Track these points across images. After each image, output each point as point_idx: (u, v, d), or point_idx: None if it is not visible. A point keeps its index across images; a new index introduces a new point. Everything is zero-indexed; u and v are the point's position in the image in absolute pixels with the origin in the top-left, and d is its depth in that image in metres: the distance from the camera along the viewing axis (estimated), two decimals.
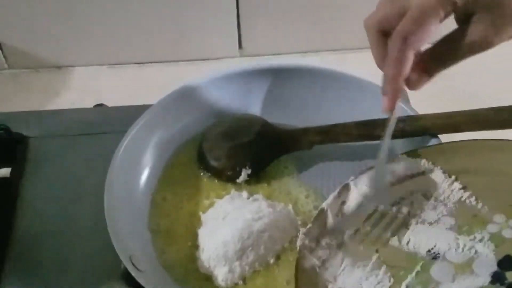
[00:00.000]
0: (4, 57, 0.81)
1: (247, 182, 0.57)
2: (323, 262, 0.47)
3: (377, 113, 0.55)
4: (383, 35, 0.44)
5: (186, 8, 0.78)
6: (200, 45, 0.83)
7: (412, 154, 0.51)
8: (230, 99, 0.62)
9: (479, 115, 0.49)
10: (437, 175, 0.49)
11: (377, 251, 0.46)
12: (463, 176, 0.49)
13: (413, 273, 0.44)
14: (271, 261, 0.52)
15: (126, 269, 0.47)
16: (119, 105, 0.70)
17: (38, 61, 0.82)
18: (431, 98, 0.73)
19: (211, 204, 0.56)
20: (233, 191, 0.57)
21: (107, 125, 0.64)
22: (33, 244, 0.55)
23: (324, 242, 0.48)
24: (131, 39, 0.81)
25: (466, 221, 0.46)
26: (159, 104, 0.59)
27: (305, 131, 0.58)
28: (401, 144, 0.55)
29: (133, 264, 0.48)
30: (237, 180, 0.57)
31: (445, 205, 0.48)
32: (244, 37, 0.82)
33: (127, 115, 0.59)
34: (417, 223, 0.47)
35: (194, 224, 0.54)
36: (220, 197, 0.56)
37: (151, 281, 0.47)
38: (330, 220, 0.49)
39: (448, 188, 0.49)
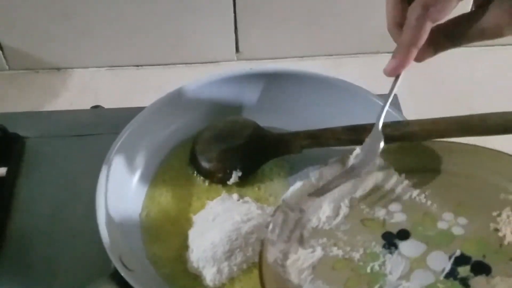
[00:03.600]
0: (5, 58, 0.82)
1: (238, 184, 0.58)
2: (285, 255, 0.47)
3: (367, 118, 0.57)
4: (402, 1, 0.44)
5: (184, 12, 0.79)
6: (197, 49, 0.83)
7: None
8: (223, 103, 0.63)
9: (463, 122, 0.50)
10: (390, 173, 0.51)
11: (335, 244, 0.48)
12: (413, 175, 0.51)
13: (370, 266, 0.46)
14: None
15: (116, 268, 0.48)
16: (116, 107, 0.71)
17: (38, 62, 0.83)
18: (421, 104, 0.74)
19: (202, 206, 0.57)
20: (223, 193, 0.57)
21: (103, 127, 0.65)
22: (27, 243, 0.56)
23: (285, 235, 0.48)
24: (130, 41, 0.82)
25: (417, 218, 0.48)
26: (153, 107, 0.60)
27: (295, 135, 0.59)
28: None
29: (123, 263, 0.48)
30: (228, 183, 0.58)
31: (397, 201, 0.50)
32: (241, 41, 0.83)
33: (123, 117, 0.60)
34: (371, 219, 0.49)
35: (184, 225, 0.55)
36: (211, 199, 0.57)
37: (140, 280, 0.48)
38: (291, 214, 0.49)
39: (399, 186, 0.51)
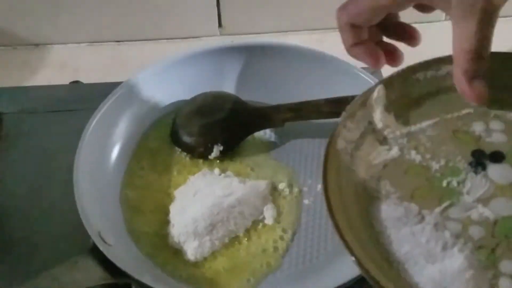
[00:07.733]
0: None
1: (220, 159, 0.58)
2: (357, 146, 0.42)
3: (349, 90, 0.56)
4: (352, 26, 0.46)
5: None
6: (179, 24, 0.82)
7: None
8: (204, 77, 0.62)
9: None
10: None
11: (415, 148, 0.43)
12: None
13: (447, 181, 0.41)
14: (241, 235, 0.52)
15: (95, 244, 0.47)
16: (95, 82, 0.70)
17: (15, 38, 0.81)
18: None
19: (183, 181, 0.56)
20: (205, 168, 0.57)
21: (82, 102, 0.64)
22: (4, 220, 0.55)
23: (362, 125, 0.43)
24: (110, 16, 0.80)
25: None
26: (132, 81, 0.59)
27: (277, 108, 0.58)
28: None
29: (102, 238, 0.48)
30: (209, 157, 0.57)
31: (500, 120, 0.44)
32: (223, 16, 0.82)
33: (102, 92, 0.59)
34: (465, 131, 0.44)
35: (165, 200, 0.55)
36: (193, 173, 0.56)
37: (119, 255, 0.47)
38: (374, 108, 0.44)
39: None
